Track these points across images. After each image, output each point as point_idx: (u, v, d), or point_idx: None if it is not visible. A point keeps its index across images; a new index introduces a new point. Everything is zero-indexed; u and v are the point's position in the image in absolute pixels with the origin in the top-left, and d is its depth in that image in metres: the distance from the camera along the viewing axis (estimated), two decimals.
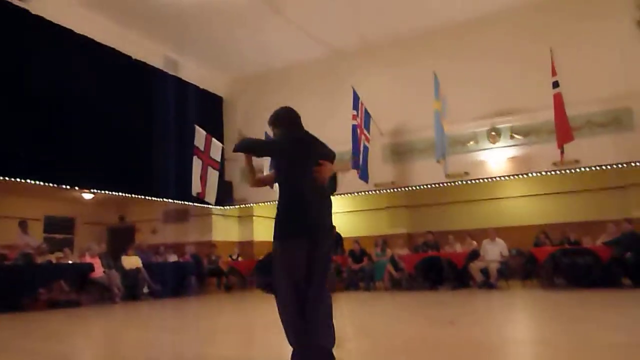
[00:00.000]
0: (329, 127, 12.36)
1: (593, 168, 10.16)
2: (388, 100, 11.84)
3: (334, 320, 3.03)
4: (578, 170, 10.24)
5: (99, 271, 9.75)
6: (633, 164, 9.90)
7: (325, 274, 3.17)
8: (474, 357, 3.05)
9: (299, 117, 3.51)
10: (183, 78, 12.98)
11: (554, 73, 9.53)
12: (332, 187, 3.51)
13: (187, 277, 11.73)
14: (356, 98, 11.11)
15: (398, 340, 3.84)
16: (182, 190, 11.77)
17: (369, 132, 11.54)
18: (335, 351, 3.00)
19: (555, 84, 9.52)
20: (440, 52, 11.52)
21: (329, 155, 3.41)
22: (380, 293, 10.19)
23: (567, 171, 10.34)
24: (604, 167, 10.12)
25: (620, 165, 10.01)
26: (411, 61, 11.92)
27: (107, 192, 11.39)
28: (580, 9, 10.47)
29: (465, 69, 11.12)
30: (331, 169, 3.31)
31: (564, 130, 9.38)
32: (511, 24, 11.13)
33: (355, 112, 11.04)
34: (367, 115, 11.54)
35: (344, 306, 7.71)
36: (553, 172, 10.53)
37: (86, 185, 10.98)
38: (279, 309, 3.06)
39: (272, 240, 3.17)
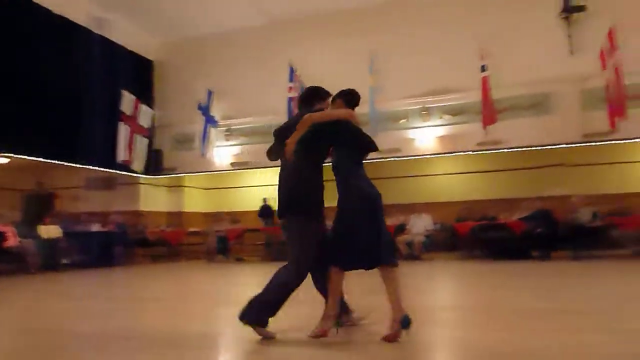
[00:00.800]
0: (267, 97, 12.26)
1: (514, 149, 10.83)
2: (324, 73, 11.74)
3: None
4: (500, 150, 10.87)
5: (12, 240, 9.16)
6: (548, 147, 10.66)
7: (292, 253, 3.17)
8: None
9: (304, 97, 3.56)
10: (110, 38, 12.22)
11: (482, 56, 9.98)
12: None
13: (112, 247, 11.30)
14: (292, 70, 11.03)
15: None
16: (108, 157, 11.24)
17: None
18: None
19: (484, 68, 9.98)
20: (377, 29, 11.63)
21: (294, 124, 3.20)
22: None
23: (490, 151, 10.94)
24: (523, 149, 10.82)
25: (537, 147, 10.75)
26: (349, 35, 11.94)
27: (23, 157, 10.63)
28: None
29: (401, 47, 11.31)
30: (292, 141, 3.11)
31: (489, 112, 9.90)
32: (446, 6, 11.42)
33: (291, 85, 10.98)
34: (303, 88, 11.50)
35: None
36: (477, 152, 11.10)
37: None
38: None
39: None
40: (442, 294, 5.98)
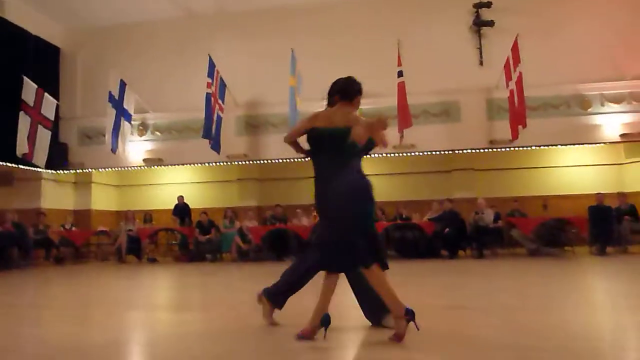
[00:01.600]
0: (184, 92, 11.89)
1: (426, 153, 11.38)
2: (245, 71, 11.70)
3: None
4: (414, 154, 11.36)
5: None
6: (457, 151, 11.32)
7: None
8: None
9: (329, 92, 3.36)
10: (9, 19, 11.21)
11: (399, 63, 10.37)
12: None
13: (7, 248, 10.37)
14: (212, 66, 10.77)
15: (245, 309, 3.93)
16: (5, 149, 10.32)
17: (223, 102, 11.31)
18: None
19: (400, 74, 10.37)
20: (298, 29, 11.70)
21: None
22: (227, 264, 10.21)
23: (405, 154, 11.40)
24: (434, 153, 11.40)
25: (447, 152, 11.37)
26: (270, 34, 11.93)
27: None
28: (425, 7, 11.54)
29: (321, 50, 11.45)
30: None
31: (404, 116, 10.30)
32: (366, 12, 11.76)
33: (210, 80, 10.71)
34: (223, 85, 11.29)
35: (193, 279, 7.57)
36: (393, 154, 11.52)
37: None
38: None
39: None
40: None
